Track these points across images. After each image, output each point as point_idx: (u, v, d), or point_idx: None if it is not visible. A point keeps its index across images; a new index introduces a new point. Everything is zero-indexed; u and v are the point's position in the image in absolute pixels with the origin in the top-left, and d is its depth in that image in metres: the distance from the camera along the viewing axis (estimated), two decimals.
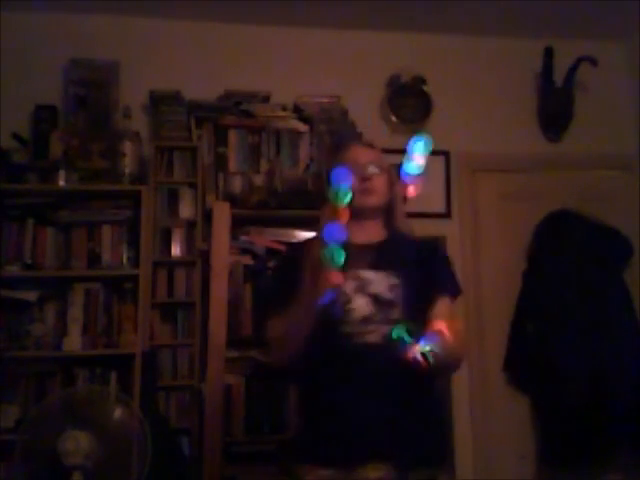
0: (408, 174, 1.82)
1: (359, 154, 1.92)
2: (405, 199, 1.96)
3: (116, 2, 3.23)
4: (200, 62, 3.35)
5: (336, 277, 1.61)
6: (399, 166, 1.84)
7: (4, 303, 2.92)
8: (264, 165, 3.17)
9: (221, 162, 3.14)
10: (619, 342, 3.10)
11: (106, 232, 3.03)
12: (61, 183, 2.98)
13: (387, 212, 1.92)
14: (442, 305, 1.79)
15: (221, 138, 3.17)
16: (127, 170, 3.02)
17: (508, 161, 3.56)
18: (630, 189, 3.55)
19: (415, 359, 1.55)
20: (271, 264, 2.90)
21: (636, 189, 3.53)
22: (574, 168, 3.59)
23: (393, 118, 3.45)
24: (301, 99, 3.29)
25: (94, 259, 3.00)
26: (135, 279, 2.93)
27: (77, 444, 2.43)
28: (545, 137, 3.61)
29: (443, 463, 1.78)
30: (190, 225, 3.10)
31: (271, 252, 2.95)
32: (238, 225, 2.98)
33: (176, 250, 3.08)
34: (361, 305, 1.74)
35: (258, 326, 2.83)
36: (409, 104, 3.47)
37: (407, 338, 1.58)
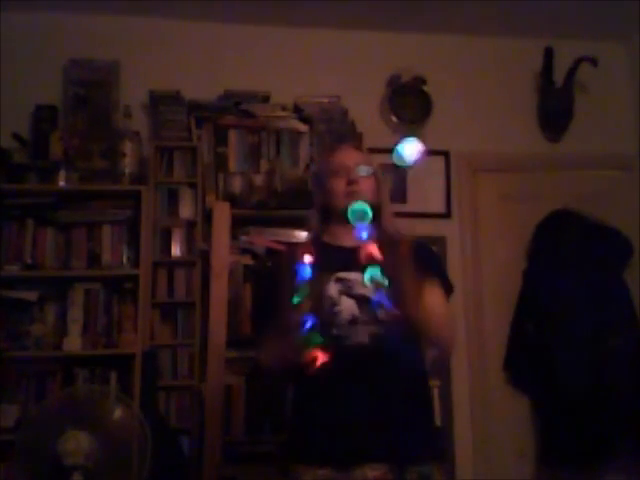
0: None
1: (346, 156, 1.93)
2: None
3: (116, 2, 3.23)
4: (200, 62, 3.35)
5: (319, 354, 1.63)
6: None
7: (4, 303, 2.92)
8: (264, 165, 3.17)
9: (221, 162, 3.14)
10: (619, 342, 3.10)
11: (106, 232, 3.02)
12: (61, 183, 2.98)
13: (374, 214, 1.93)
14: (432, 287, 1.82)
15: (221, 138, 3.17)
16: (127, 170, 3.02)
17: (508, 161, 3.56)
18: (630, 189, 3.54)
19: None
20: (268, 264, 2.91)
21: (636, 189, 3.53)
22: (574, 168, 3.59)
23: (393, 118, 3.45)
24: (301, 99, 3.29)
25: (94, 259, 3.00)
26: (135, 279, 2.93)
27: (77, 444, 2.43)
28: (545, 137, 3.61)
29: (438, 460, 1.79)
30: (190, 225, 3.09)
31: (271, 252, 2.95)
32: (238, 225, 2.98)
33: (176, 250, 3.08)
34: (348, 307, 1.77)
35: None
36: (409, 104, 3.47)
37: (381, 279, 1.60)
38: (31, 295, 2.93)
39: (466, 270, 3.37)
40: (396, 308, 1.70)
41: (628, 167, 3.60)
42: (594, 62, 3.47)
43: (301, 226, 2.89)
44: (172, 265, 3.08)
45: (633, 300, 3.27)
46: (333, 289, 1.78)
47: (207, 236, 2.98)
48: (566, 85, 3.55)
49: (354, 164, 1.89)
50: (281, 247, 2.88)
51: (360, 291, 1.78)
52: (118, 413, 2.56)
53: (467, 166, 3.51)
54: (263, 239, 3.00)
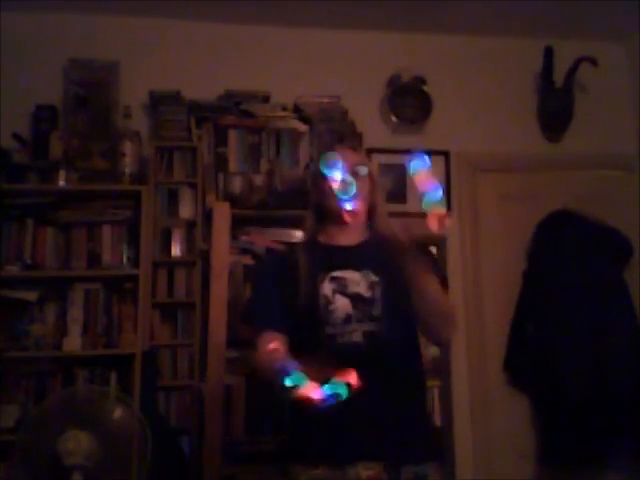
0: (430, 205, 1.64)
1: (342, 157, 1.93)
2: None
3: (116, 2, 3.23)
4: (200, 62, 3.35)
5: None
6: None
7: (4, 303, 2.92)
8: (264, 165, 3.17)
9: (221, 162, 3.14)
10: (619, 342, 3.10)
11: (106, 232, 3.02)
12: (61, 183, 2.98)
13: (368, 214, 1.94)
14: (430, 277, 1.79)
15: (221, 138, 3.17)
16: (127, 170, 3.02)
17: (508, 161, 3.56)
18: (630, 189, 3.54)
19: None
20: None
21: (636, 189, 3.53)
22: (574, 168, 3.59)
23: (393, 118, 3.45)
24: (301, 99, 3.29)
25: (94, 259, 3.00)
26: (135, 279, 2.93)
27: (77, 444, 2.43)
28: (545, 137, 3.61)
29: (434, 460, 1.79)
30: (190, 225, 3.09)
31: (269, 252, 2.95)
32: (238, 225, 2.98)
33: (176, 250, 3.08)
34: (342, 305, 1.78)
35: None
36: (409, 104, 3.47)
37: (343, 392, 1.50)
38: (31, 295, 2.93)
39: (466, 270, 3.37)
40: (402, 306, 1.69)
41: (628, 167, 3.61)
42: (594, 62, 3.47)
43: (301, 226, 2.90)
44: (172, 265, 3.08)
45: (633, 300, 3.27)
46: (327, 288, 1.79)
47: (207, 236, 2.97)
48: (566, 85, 3.55)
49: (350, 165, 1.90)
50: (281, 247, 2.89)
51: (354, 290, 1.79)
52: (118, 413, 2.57)
53: (467, 166, 3.51)
54: (263, 239, 3.00)
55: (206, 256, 2.93)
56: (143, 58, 3.32)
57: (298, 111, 3.27)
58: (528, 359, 3.25)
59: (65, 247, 3.01)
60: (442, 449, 3.02)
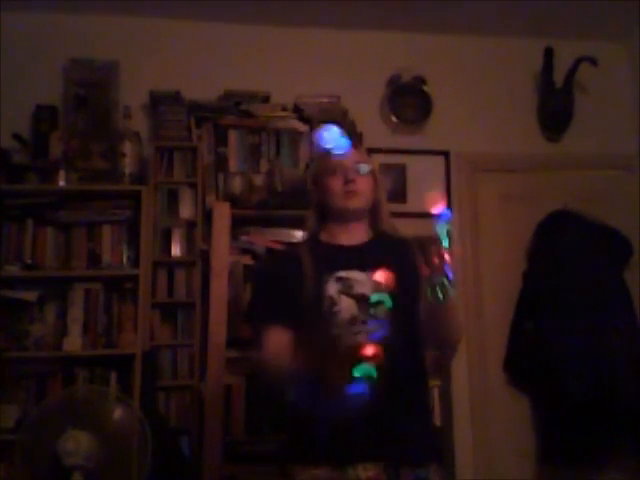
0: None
1: (344, 156, 1.93)
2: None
3: (116, 2, 3.23)
4: (200, 62, 3.35)
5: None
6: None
7: (4, 303, 2.92)
8: (264, 165, 3.17)
9: (221, 162, 3.13)
10: (619, 342, 3.10)
11: (106, 232, 3.03)
12: (61, 183, 2.98)
13: (372, 213, 1.93)
14: None
15: (221, 138, 3.17)
16: (127, 170, 3.02)
17: (508, 161, 3.56)
18: (630, 189, 3.54)
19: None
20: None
21: (636, 189, 3.53)
22: (574, 168, 3.59)
23: (393, 118, 3.45)
24: (301, 99, 3.29)
25: (94, 259, 3.00)
26: (135, 279, 2.93)
27: (77, 444, 2.43)
28: (545, 137, 3.61)
29: (435, 462, 1.78)
30: (190, 225, 3.09)
31: (271, 252, 2.95)
32: (238, 225, 2.98)
33: (176, 250, 3.08)
34: (347, 306, 1.76)
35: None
36: (409, 104, 3.47)
37: (388, 302, 1.56)
38: (31, 295, 2.94)
39: (466, 270, 3.37)
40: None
41: (628, 167, 3.60)
42: (594, 62, 3.47)
43: (301, 226, 2.90)
44: (172, 265, 3.08)
45: (633, 300, 3.26)
46: (333, 288, 1.77)
47: (207, 236, 2.97)
48: (566, 85, 3.55)
49: (352, 163, 1.89)
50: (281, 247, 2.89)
51: (360, 291, 1.77)
52: (118, 413, 2.57)
53: (467, 166, 3.51)
54: (263, 239, 2.99)
55: (206, 256, 2.93)
56: (143, 58, 3.32)
57: (298, 111, 3.27)
58: (528, 359, 3.24)
59: (65, 247, 3.01)
60: (442, 449, 3.02)
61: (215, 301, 2.79)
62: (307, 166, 3.17)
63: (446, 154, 3.47)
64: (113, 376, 2.88)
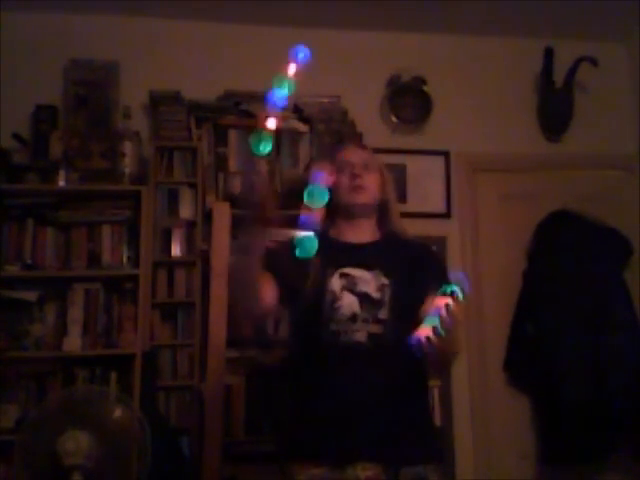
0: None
1: (351, 154, 1.94)
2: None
3: (116, 2, 3.23)
4: (200, 62, 3.35)
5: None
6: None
7: (4, 303, 2.92)
8: (264, 165, 3.16)
9: (221, 162, 3.13)
10: (619, 342, 3.10)
11: (106, 232, 3.03)
12: (61, 183, 2.98)
13: (381, 212, 1.93)
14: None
15: (221, 138, 3.17)
16: (127, 170, 3.02)
17: (508, 161, 3.56)
18: (630, 189, 3.54)
19: (427, 337, 1.48)
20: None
21: (636, 189, 3.53)
22: (574, 168, 3.59)
23: (393, 118, 3.45)
24: (301, 99, 3.28)
25: (94, 259, 3.00)
26: (135, 279, 2.93)
27: (77, 444, 2.43)
28: (545, 137, 3.60)
29: (435, 462, 1.77)
30: (190, 225, 3.09)
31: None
32: (238, 225, 2.98)
33: (176, 250, 3.08)
34: (348, 303, 1.76)
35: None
36: (409, 104, 3.47)
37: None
38: (31, 295, 2.94)
39: (466, 270, 3.36)
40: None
41: (628, 167, 3.60)
42: (594, 62, 3.47)
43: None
44: (172, 265, 3.07)
45: (633, 300, 3.26)
46: (336, 284, 1.77)
47: (207, 236, 2.97)
48: (566, 85, 3.55)
49: (358, 160, 1.90)
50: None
51: (363, 289, 1.77)
52: (118, 413, 2.56)
53: (467, 166, 3.51)
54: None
55: (206, 256, 2.93)
56: (143, 58, 3.32)
57: (298, 111, 3.27)
58: (528, 359, 3.24)
59: (65, 247, 3.01)
60: (442, 449, 3.02)
61: (215, 301, 2.79)
62: (307, 166, 3.17)
63: (446, 154, 3.47)
64: (113, 376, 2.88)
